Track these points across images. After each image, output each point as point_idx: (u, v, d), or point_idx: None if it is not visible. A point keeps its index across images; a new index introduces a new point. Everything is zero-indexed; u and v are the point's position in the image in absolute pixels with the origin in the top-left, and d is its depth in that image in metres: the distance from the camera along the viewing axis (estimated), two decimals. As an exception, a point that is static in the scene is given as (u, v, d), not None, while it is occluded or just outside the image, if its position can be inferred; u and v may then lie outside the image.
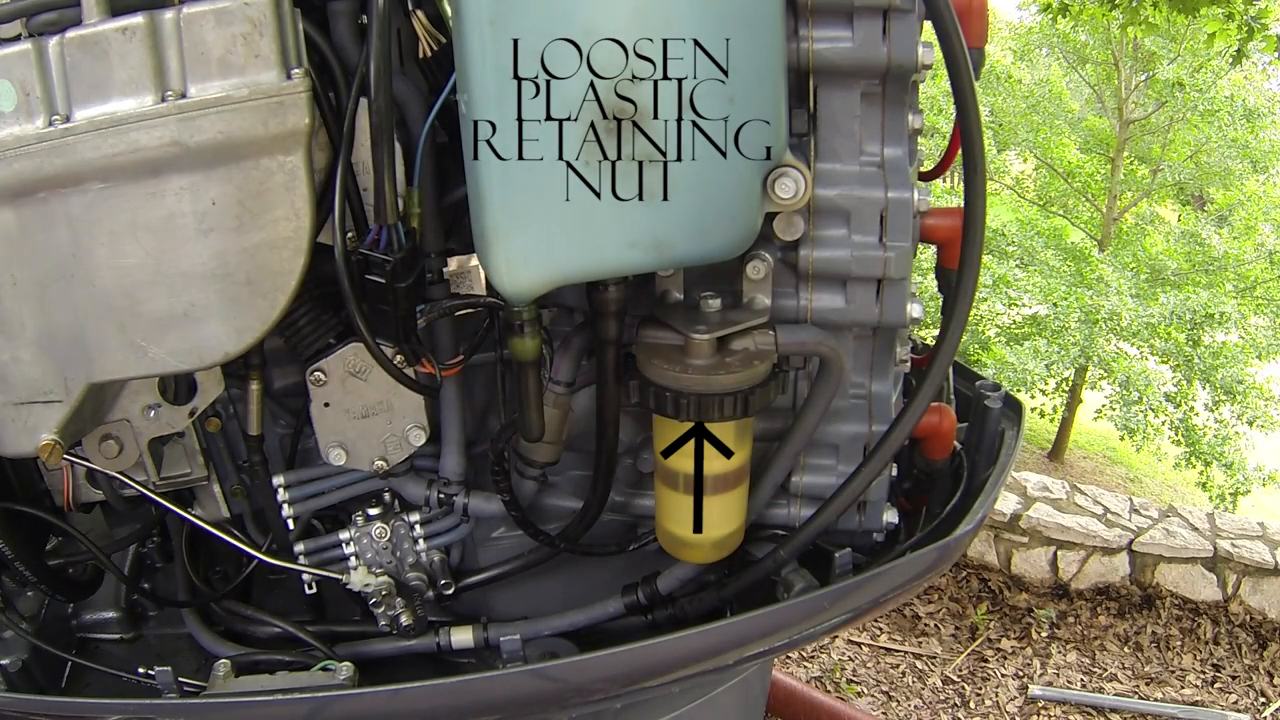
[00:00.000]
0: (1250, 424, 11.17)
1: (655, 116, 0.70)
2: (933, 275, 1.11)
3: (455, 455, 1.10)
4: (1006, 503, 5.63)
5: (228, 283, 0.82)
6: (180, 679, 1.11)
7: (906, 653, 4.30)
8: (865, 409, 1.00)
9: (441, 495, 1.10)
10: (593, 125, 0.70)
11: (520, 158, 0.71)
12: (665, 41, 0.69)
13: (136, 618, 1.29)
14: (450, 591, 1.17)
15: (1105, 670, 4.25)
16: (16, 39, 0.79)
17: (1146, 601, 4.83)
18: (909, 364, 1.02)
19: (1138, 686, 4.15)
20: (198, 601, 1.21)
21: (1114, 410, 10.96)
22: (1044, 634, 4.63)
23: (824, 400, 0.94)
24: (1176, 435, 11.10)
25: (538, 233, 0.73)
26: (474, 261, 1.03)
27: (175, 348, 0.84)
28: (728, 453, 0.88)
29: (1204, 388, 11.26)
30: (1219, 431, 11.18)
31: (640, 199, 0.72)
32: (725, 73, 0.71)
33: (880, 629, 4.36)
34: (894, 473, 1.10)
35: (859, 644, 4.28)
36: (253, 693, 1.07)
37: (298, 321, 0.99)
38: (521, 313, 0.79)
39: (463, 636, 1.17)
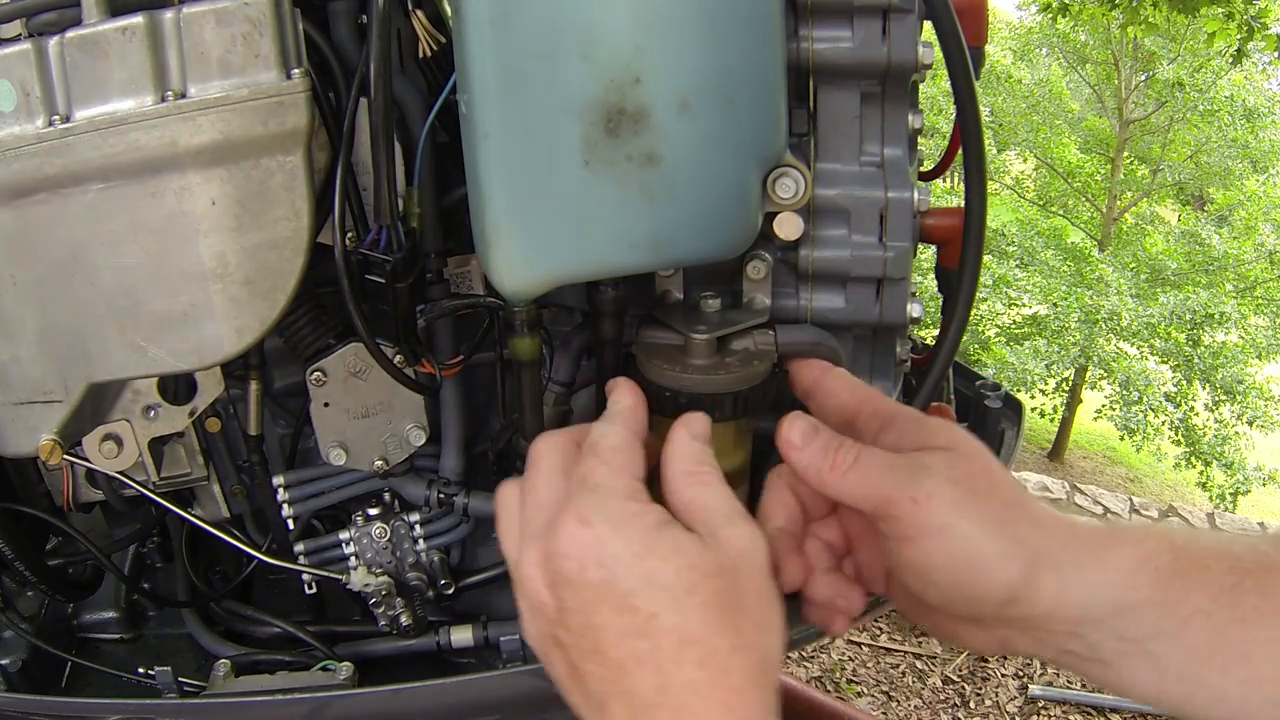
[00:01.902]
0: (1250, 424, 11.17)
1: (655, 116, 0.70)
2: (933, 275, 1.11)
3: (455, 455, 1.10)
4: (1006, 503, 5.59)
5: (228, 283, 0.82)
6: (180, 679, 1.11)
7: (906, 653, 4.30)
8: (865, 409, 1.00)
9: (441, 495, 1.10)
10: (593, 125, 0.69)
11: (520, 158, 0.71)
12: (665, 41, 0.69)
13: (136, 618, 1.28)
14: (450, 591, 1.17)
15: (1105, 670, 4.23)
16: (16, 39, 0.79)
17: (1146, 601, 4.82)
18: (909, 364, 1.02)
19: (1138, 686, 4.14)
20: (198, 601, 1.21)
21: (1114, 410, 10.95)
22: (1044, 634, 4.62)
23: (824, 400, 0.94)
24: (1176, 435, 11.09)
25: (538, 233, 0.73)
26: (474, 261, 1.03)
27: (175, 348, 0.84)
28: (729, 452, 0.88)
29: (1204, 388, 11.25)
30: (1219, 431, 11.18)
31: (640, 199, 0.72)
32: (725, 73, 0.71)
33: (880, 629, 4.36)
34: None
35: (859, 644, 4.28)
36: (253, 692, 1.07)
37: (297, 321, 0.99)
38: (520, 312, 0.79)
39: (462, 635, 1.17)
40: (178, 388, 0.98)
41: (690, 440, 0.70)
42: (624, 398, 0.74)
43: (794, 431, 0.72)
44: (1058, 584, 0.65)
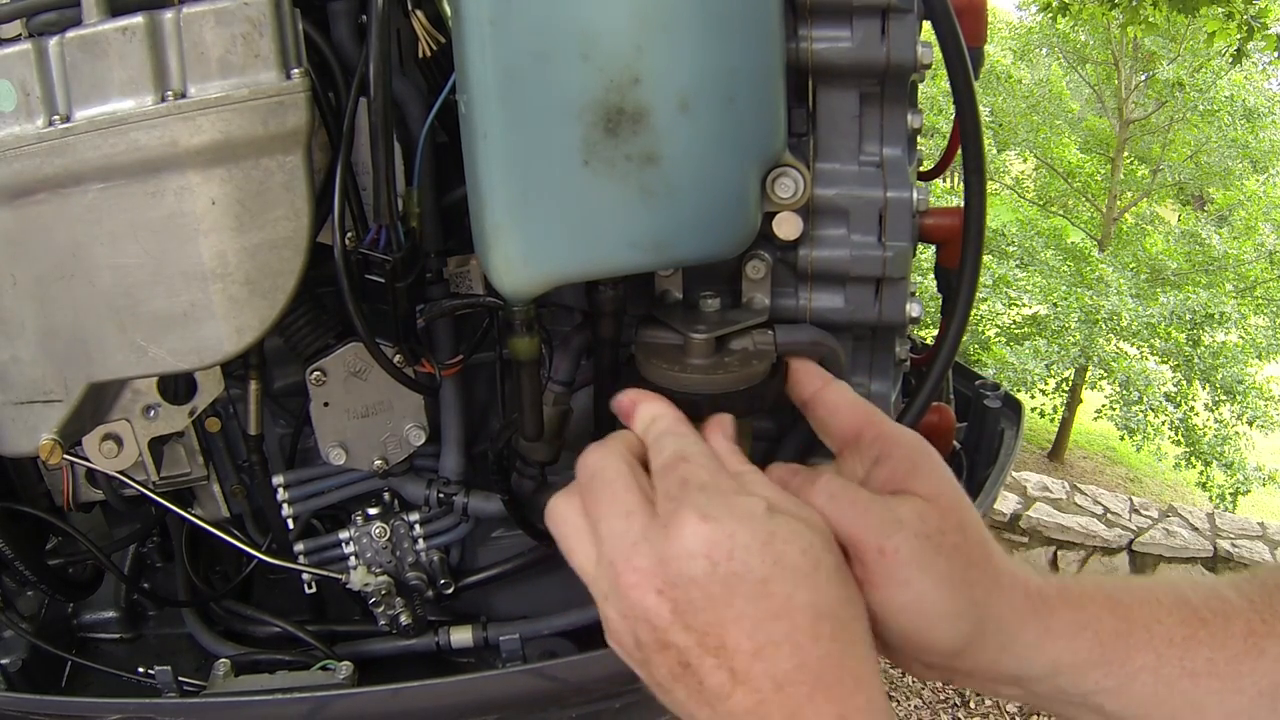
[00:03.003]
0: (1250, 424, 11.15)
1: (655, 116, 0.70)
2: (933, 275, 1.11)
3: (455, 455, 1.10)
4: (1006, 503, 5.62)
5: (228, 282, 0.82)
6: (180, 678, 1.12)
7: (906, 652, 4.28)
8: (865, 409, 1.00)
9: (441, 495, 1.10)
10: (593, 125, 0.70)
11: (520, 158, 0.71)
12: (665, 41, 0.69)
13: (136, 617, 1.29)
14: (450, 591, 1.17)
15: (1105, 670, 4.24)
16: (16, 39, 0.79)
17: (1146, 601, 4.82)
18: (908, 363, 1.02)
19: (1138, 686, 4.14)
20: (198, 601, 1.21)
21: (1114, 410, 10.93)
22: (1044, 634, 4.62)
23: (823, 400, 0.94)
24: (1176, 435, 11.07)
25: (538, 233, 0.73)
26: (474, 261, 1.03)
27: (175, 347, 0.84)
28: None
29: (1204, 388, 11.23)
30: (1219, 431, 11.16)
31: (640, 199, 0.72)
32: (725, 73, 0.71)
33: (880, 629, 4.36)
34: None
35: (859, 644, 4.27)
36: (252, 692, 1.07)
37: (297, 321, 0.99)
38: (520, 312, 0.79)
39: (462, 636, 1.17)
40: (178, 387, 0.98)
41: (726, 442, 0.73)
42: (663, 410, 0.75)
43: (778, 477, 0.72)
44: (999, 646, 0.67)
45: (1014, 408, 1.40)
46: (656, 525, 0.64)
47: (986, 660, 0.68)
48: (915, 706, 3.99)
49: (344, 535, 1.14)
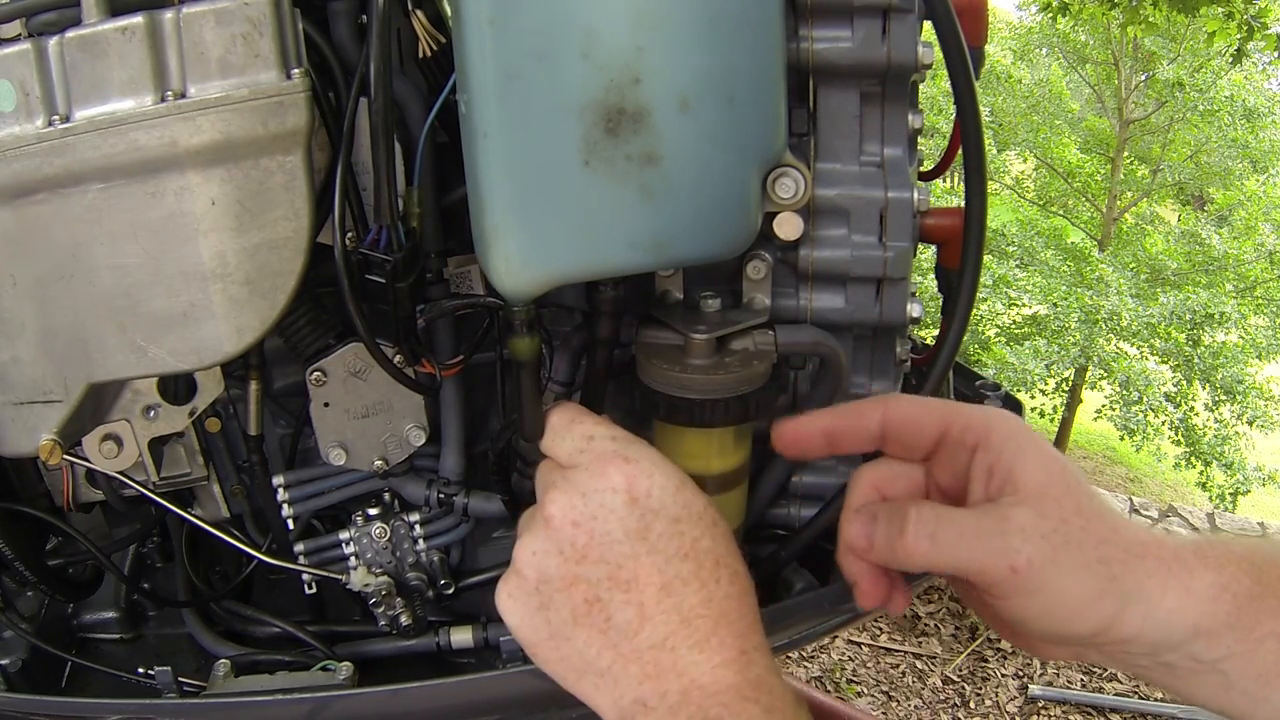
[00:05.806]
0: (1250, 424, 11.15)
1: (655, 116, 0.70)
2: (933, 275, 1.11)
3: (455, 455, 1.10)
4: (1006, 503, 5.58)
5: (227, 283, 0.82)
6: (180, 679, 1.11)
7: (906, 653, 4.30)
8: (865, 409, 1.00)
9: (441, 495, 1.10)
10: (593, 125, 0.70)
11: (520, 158, 0.71)
12: (665, 41, 0.69)
13: (136, 618, 1.28)
14: (450, 591, 1.17)
15: (1105, 670, 4.25)
16: (16, 39, 0.79)
17: (1146, 601, 4.81)
18: (909, 363, 1.02)
19: (1137, 686, 4.15)
20: (198, 601, 1.21)
21: (1114, 410, 10.94)
22: (1044, 634, 4.61)
23: (824, 400, 0.94)
24: (1176, 435, 11.07)
25: (538, 233, 0.73)
26: (474, 261, 1.03)
27: (175, 348, 0.84)
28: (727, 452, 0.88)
29: (1204, 388, 11.23)
30: (1219, 431, 11.16)
31: (640, 199, 0.72)
32: (725, 73, 0.71)
33: (880, 629, 4.37)
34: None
35: (859, 644, 4.29)
36: (253, 692, 1.07)
37: (297, 321, 0.99)
38: (520, 312, 0.79)
39: (462, 636, 1.17)
40: (178, 388, 0.98)
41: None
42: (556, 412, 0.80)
43: (856, 536, 0.73)
44: (1143, 615, 0.66)
45: (1014, 408, 1.40)
46: (574, 469, 0.69)
47: (1129, 632, 0.66)
48: (915, 706, 3.99)
49: (344, 535, 1.14)
